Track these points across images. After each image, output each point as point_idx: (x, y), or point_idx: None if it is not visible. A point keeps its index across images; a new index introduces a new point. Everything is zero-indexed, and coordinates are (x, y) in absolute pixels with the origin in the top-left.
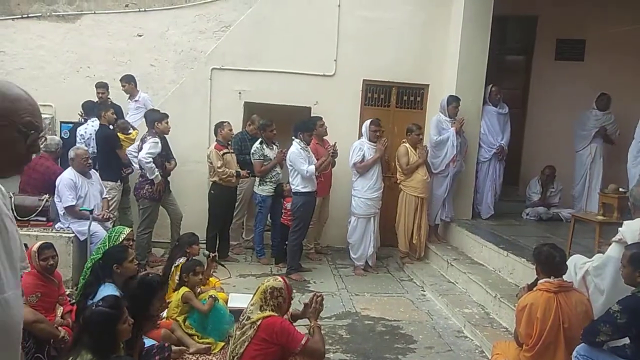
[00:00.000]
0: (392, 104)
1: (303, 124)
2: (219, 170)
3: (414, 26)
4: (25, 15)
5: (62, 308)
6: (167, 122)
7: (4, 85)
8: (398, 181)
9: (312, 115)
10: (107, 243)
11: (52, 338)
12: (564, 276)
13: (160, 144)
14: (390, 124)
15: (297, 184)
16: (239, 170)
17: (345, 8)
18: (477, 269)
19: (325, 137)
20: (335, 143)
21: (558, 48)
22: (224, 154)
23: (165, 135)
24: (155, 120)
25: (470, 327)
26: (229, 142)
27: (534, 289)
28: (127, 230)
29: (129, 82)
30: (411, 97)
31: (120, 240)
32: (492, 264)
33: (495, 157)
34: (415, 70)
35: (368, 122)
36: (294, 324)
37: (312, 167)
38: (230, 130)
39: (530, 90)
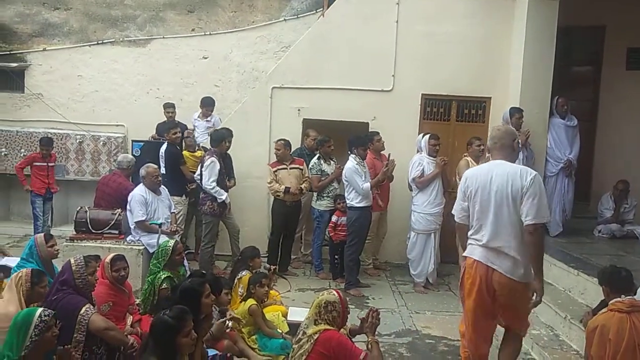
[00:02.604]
0: (452, 117)
1: (357, 139)
2: (268, 185)
3: (474, 39)
4: (100, 42)
5: (131, 317)
6: (229, 141)
7: None
8: None
9: (370, 130)
10: (158, 259)
11: (122, 345)
12: (635, 296)
13: (217, 164)
14: (450, 138)
15: (352, 199)
16: (289, 187)
17: (404, 23)
18: (546, 289)
19: (382, 152)
20: (392, 159)
21: (629, 57)
22: (276, 170)
23: (229, 153)
24: (223, 138)
25: (538, 349)
26: (286, 159)
27: (605, 309)
28: (171, 242)
29: (212, 105)
30: (472, 110)
31: (169, 255)
32: (561, 284)
33: (563, 171)
34: (476, 83)
35: (427, 136)
36: (352, 339)
37: (368, 185)
38: (279, 149)
39: (600, 101)
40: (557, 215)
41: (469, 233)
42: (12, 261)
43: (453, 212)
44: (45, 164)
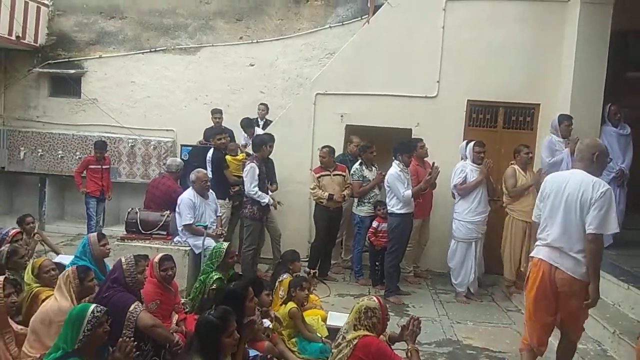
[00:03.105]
0: (499, 124)
1: (403, 145)
2: (311, 191)
3: (521, 45)
4: (153, 50)
5: (177, 316)
6: (270, 146)
7: None
8: (504, 204)
9: (413, 136)
10: (212, 260)
11: (168, 343)
12: None
13: (257, 169)
14: (497, 145)
15: (393, 205)
16: (332, 193)
17: (450, 29)
18: None
19: (425, 159)
20: (436, 166)
21: None
22: (319, 176)
23: (271, 158)
24: (263, 143)
25: None
26: (330, 166)
27: None
28: (224, 245)
29: (250, 127)
30: (520, 117)
31: (222, 257)
32: (610, 297)
33: (614, 181)
34: (524, 89)
35: (472, 143)
36: (392, 346)
37: (409, 192)
38: (325, 156)
39: None
40: None
41: (537, 232)
42: (65, 259)
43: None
44: (99, 166)
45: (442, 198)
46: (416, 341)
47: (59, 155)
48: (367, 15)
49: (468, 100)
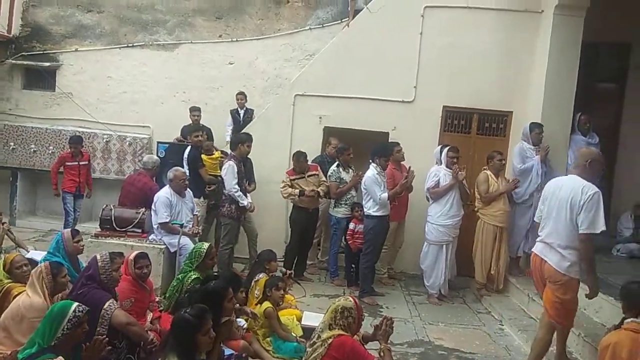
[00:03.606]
0: (473, 130)
1: (380, 149)
2: (281, 190)
3: (497, 53)
4: (131, 45)
5: (152, 314)
6: (248, 145)
7: None
8: (476, 209)
9: (390, 140)
10: (191, 259)
11: (142, 341)
12: None
13: (235, 167)
14: (471, 150)
15: (369, 207)
16: (304, 189)
17: (427, 36)
18: None
19: (402, 162)
20: (411, 170)
21: None
22: (293, 179)
23: (250, 158)
24: (239, 142)
25: None
26: (306, 169)
27: (620, 327)
28: (205, 245)
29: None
30: (493, 124)
31: (202, 258)
32: None
33: None
34: (498, 97)
35: (446, 148)
36: (365, 346)
37: (385, 195)
38: (300, 164)
39: (622, 119)
40: None
41: (538, 231)
42: (37, 255)
43: None
44: (76, 163)
45: (417, 201)
46: (389, 341)
47: (32, 149)
48: (347, 19)
49: (443, 106)
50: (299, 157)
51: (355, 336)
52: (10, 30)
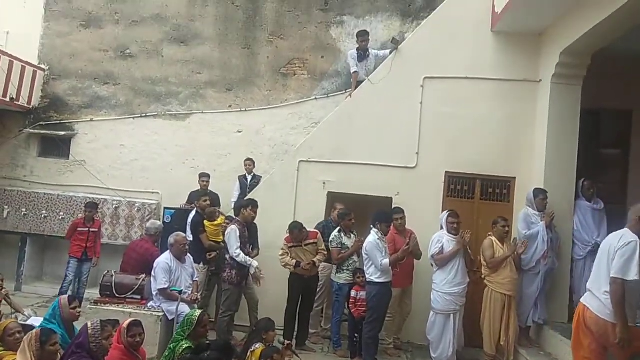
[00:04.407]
0: (476, 196)
1: (381, 214)
2: (280, 257)
3: (498, 120)
4: (144, 115)
5: None
6: (251, 210)
7: None
8: (483, 276)
9: (393, 205)
10: (183, 327)
11: None
12: None
13: (237, 231)
14: (474, 216)
15: (371, 274)
16: (300, 260)
17: (428, 105)
18: None
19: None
20: (412, 236)
21: None
22: (291, 246)
23: (255, 223)
24: (242, 206)
25: None
26: (303, 238)
27: None
28: (197, 312)
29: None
30: (497, 189)
31: (194, 326)
32: None
33: (591, 255)
34: (501, 163)
35: (446, 214)
36: None
37: (387, 261)
38: (301, 230)
39: (629, 184)
40: None
41: None
42: (37, 321)
43: None
44: (86, 229)
45: (424, 268)
46: None
47: (43, 215)
48: (350, 89)
49: (446, 171)
50: (294, 229)
51: None
52: (30, 102)
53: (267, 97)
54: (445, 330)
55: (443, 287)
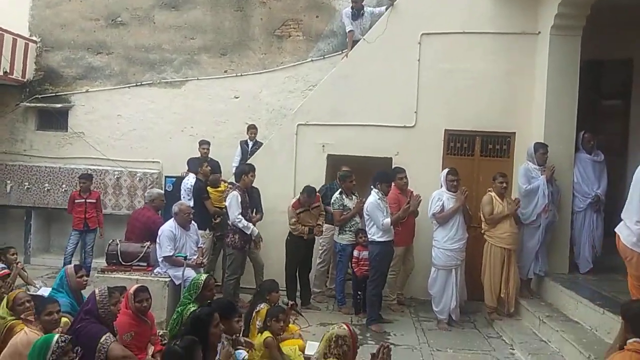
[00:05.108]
0: (476, 152)
1: (381, 174)
2: (292, 227)
3: (497, 75)
4: (139, 83)
5: (153, 347)
6: (251, 175)
7: None
8: (483, 231)
9: (393, 165)
10: (190, 291)
11: None
12: None
13: (238, 197)
14: (475, 173)
15: (373, 233)
16: (314, 226)
17: (425, 62)
18: (571, 328)
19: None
20: (416, 195)
21: None
22: (299, 212)
23: (257, 187)
24: (242, 172)
25: None
26: (311, 203)
27: (623, 348)
28: (203, 276)
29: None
30: (497, 145)
31: (200, 289)
32: (588, 322)
33: (591, 207)
34: (500, 118)
35: (445, 171)
36: None
37: (388, 221)
38: (309, 196)
39: (630, 135)
40: (586, 251)
41: None
42: (46, 291)
43: None
44: (83, 200)
45: (425, 226)
46: None
47: (46, 188)
48: (347, 49)
49: (445, 129)
50: (310, 193)
51: None
52: (25, 75)
53: (262, 60)
54: (447, 285)
55: (444, 243)
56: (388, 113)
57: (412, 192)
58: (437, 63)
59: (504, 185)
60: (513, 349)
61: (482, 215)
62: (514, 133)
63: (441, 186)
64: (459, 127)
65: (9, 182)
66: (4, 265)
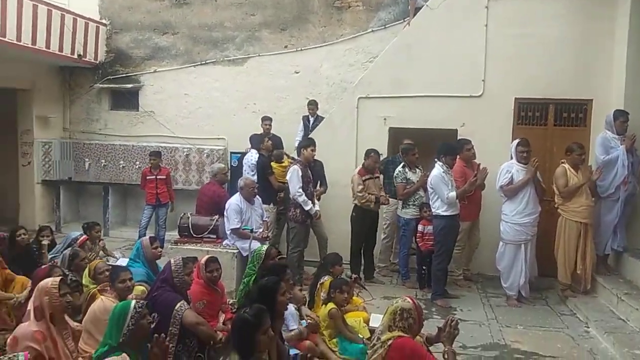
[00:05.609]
0: (549, 122)
1: (446, 146)
2: (359, 194)
3: (571, 39)
4: (204, 62)
5: (224, 315)
6: (312, 150)
7: None
8: (556, 205)
9: (458, 137)
10: (253, 262)
11: (211, 340)
12: None
13: (299, 171)
14: (548, 143)
15: (437, 207)
16: (379, 195)
17: (493, 27)
18: None
19: (473, 160)
20: (483, 167)
21: None
22: (365, 179)
23: (319, 160)
24: (302, 147)
25: None
26: (375, 169)
27: None
28: (264, 247)
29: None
30: (572, 113)
31: (262, 259)
32: None
33: None
34: (576, 85)
35: (515, 142)
36: (429, 348)
37: (453, 194)
38: (375, 161)
39: None
40: None
41: None
42: (124, 262)
43: None
44: (153, 176)
45: (492, 199)
46: (459, 344)
47: (121, 165)
48: (408, 18)
49: (515, 98)
50: (376, 154)
51: (419, 337)
52: (97, 57)
53: (322, 33)
54: (516, 260)
55: (513, 217)
56: (453, 82)
57: (479, 164)
58: (506, 28)
59: (583, 157)
60: (588, 327)
61: (555, 188)
62: (591, 100)
63: (511, 157)
64: (531, 95)
65: (87, 159)
66: (81, 233)
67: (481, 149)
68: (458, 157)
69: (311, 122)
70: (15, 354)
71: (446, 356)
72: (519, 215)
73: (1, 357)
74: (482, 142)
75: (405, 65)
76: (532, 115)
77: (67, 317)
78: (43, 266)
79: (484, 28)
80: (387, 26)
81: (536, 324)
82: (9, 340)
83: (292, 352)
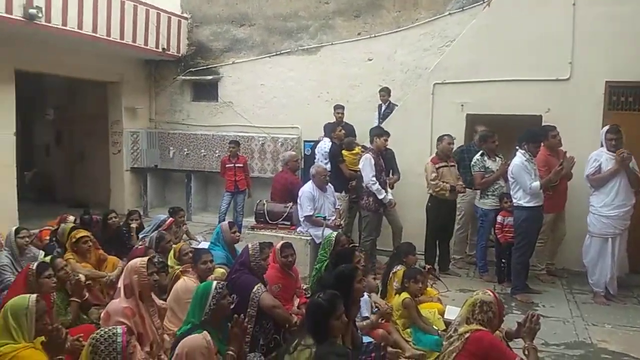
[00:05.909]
0: None
1: (530, 133)
2: (432, 182)
3: None
4: (278, 52)
5: (298, 299)
6: (385, 139)
7: None
8: None
9: (543, 124)
10: (324, 249)
11: (287, 323)
12: None
13: (372, 160)
14: None
15: (519, 198)
16: (454, 184)
17: (582, 4)
18: None
19: (559, 148)
20: (571, 156)
21: None
22: (439, 167)
23: (391, 149)
24: (374, 135)
25: None
26: (449, 156)
27: None
28: (334, 234)
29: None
30: None
31: (333, 246)
32: None
33: None
34: None
35: (605, 129)
36: (509, 343)
37: (537, 184)
38: (449, 143)
39: None
40: None
41: None
42: (205, 245)
43: None
44: (232, 165)
45: (579, 190)
46: (540, 340)
47: (202, 154)
48: None
49: (606, 81)
50: (443, 136)
51: (498, 332)
52: (179, 50)
53: (396, 18)
54: (603, 255)
55: (601, 209)
56: (537, 66)
57: (565, 153)
58: (596, 5)
59: None
60: None
61: None
62: None
63: (601, 145)
64: (623, 78)
65: (171, 148)
66: (167, 215)
67: (568, 136)
68: (542, 144)
69: (383, 109)
70: (114, 328)
71: (527, 352)
72: (607, 207)
73: (102, 329)
74: (569, 129)
75: (485, 48)
76: (624, 100)
77: (153, 296)
78: (139, 247)
79: (571, 6)
80: (465, 8)
81: (626, 323)
82: (102, 314)
83: (366, 339)
